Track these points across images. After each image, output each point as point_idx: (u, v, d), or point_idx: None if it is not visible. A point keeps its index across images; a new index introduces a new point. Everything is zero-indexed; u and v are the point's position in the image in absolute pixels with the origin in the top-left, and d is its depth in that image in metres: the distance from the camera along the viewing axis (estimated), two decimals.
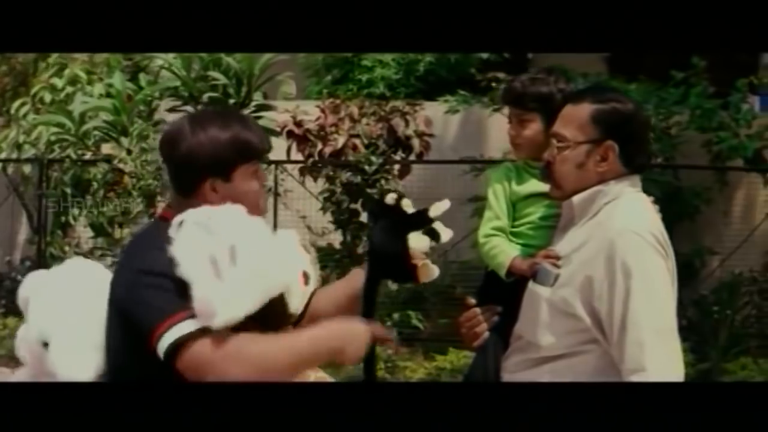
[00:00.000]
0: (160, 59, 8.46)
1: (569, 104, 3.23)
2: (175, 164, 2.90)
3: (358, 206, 8.86)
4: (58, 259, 8.27)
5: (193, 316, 2.63)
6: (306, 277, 2.96)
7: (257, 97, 8.95)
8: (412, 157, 9.28)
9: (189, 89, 8.42)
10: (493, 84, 10.86)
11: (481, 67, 11.39)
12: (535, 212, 3.48)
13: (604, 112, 3.15)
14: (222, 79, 8.48)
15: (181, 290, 2.63)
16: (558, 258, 3.16)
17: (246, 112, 8.65)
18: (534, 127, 3.48)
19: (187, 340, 2.62)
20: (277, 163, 8.82)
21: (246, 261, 2.65)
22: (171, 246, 2.67)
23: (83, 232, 8.54)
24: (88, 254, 8.01)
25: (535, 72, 3.57)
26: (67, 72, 8.85)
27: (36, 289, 2.99)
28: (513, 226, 3.51)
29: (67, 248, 8.25)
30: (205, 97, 8.57)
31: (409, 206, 3.05)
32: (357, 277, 3.09)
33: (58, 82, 8.84)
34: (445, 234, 3.05)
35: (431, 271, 3.03)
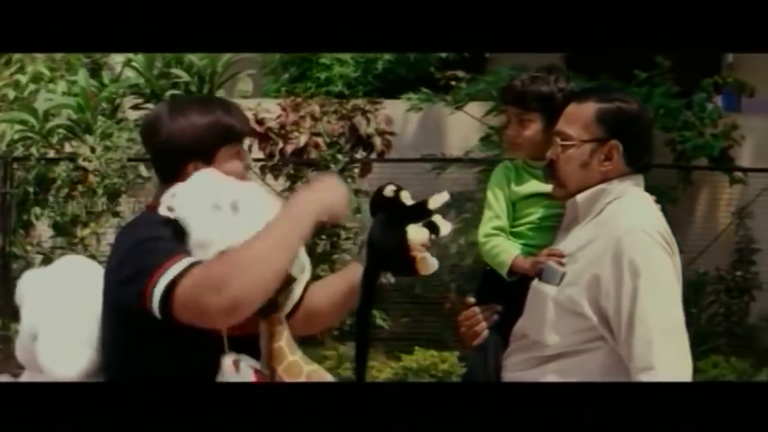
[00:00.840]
0: (122, 56, 8.41)
1: (573, 103, 3.23)
2: (157, 150, 2.89)
3: None
4: (20, 259, 8.18)
5: (183, 257, 2.61)
6: None
7: (220, 95, 8.86)
8: (374, 156, 9.24)
9: (151, 86, 8.35)
10: (453, 82, 10.88)
11: (440, 66, 11.41)
12: (535, 212, 3.47)
13: (609, 111, 3.15)
14: (184, 77, 8.44)
15: (176, 241, 2.63)
16: (563, 256, 3.16)
17: None
18: (534, 127, 3.46)
19: (180, 277, 2.59)
20: None
21: (248, 213, 2.65)
22: (171, 210, 2.66)
23: (45, 231, 8.43)
24: (50, 253, 7.93)
25: (535, 71, 3.55)
26: (30, 69, 8.74)
27: (31, 285, 2.96)
28: (513, 226, 3.50)
29: (29, 248, 8.13)
30: (167, 94, 8.54)
31: (408, 198, 3.01)
32: (353, 270, 3.05)
33: (22, 79, 8.73)
34: (445, 227, 3.02)
35: (431, 264, 2.98)
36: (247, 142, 2.96)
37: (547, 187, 3.39)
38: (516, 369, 3.24)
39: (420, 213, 2.98)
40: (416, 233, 2.95)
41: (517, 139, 3.51)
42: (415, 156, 9.52)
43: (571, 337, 3.11)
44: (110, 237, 7.73)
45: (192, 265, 2.60)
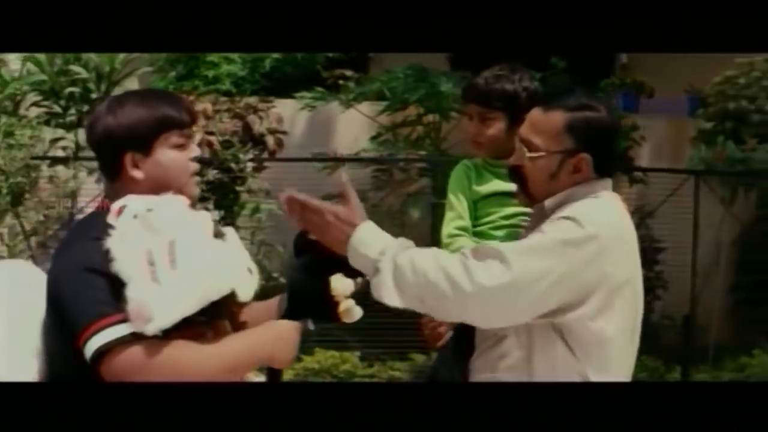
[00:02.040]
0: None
1: (539, 110, 3.10)
2: (96, 146, 2.85)
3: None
4: None
5: (125, 319, 2.53)
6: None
7: (118, 92, 8.68)
8: (265, 155, 9.18)
9: (52, 83, 8.19)
10: (341, 81, 10.88)
11: (327, 65, 11.39)
12: (497, 211, 3.47)
13: (578, 121, 3.04)
14: (83, 74, 8.27)
15: (115, 288, 2.54)
16: None
17: None
18: (497, 126, 3.47)
19: (117, 345, 2.53)
20: None
21: (186, 263, 2.56)
22: (108, 238, 2.59)
23: None
24: None
25: (499, 69, 3.54)
26: None
27: None
28: (475, 226, 3.50)
29: None
30: (66, 92, 8.39)
31: None
32: (275, 306, 3.00)
33: None
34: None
35: (354, 314, 2.93)
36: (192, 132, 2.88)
37: (509, 186, 3.33)
38: (486, 370, 3.15)
39: (345, 261, 2.89)
40: (340, 283, 2.90)
41: (480, 137, 3.51)
42: (304, 155, 9.47)
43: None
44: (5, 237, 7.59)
45: (132, 340, 2.54)
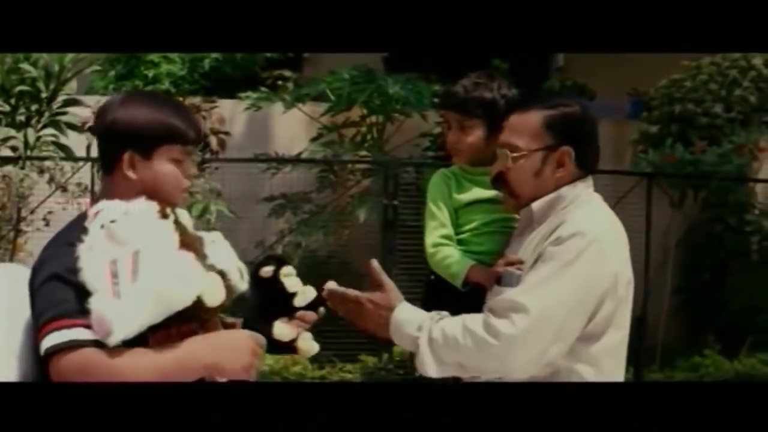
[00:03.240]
0: None
1: (515, 113, 3.17)
2: (99, 135, 2.84)
3: None
4: None
5: (84, 325, 2.54)
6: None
7: (68, 90, 8.66)
8: (208, 155, 9.09)
9: (3, 81, 8.08)
10: (279, 82, 10.84)
11: (265, 65, 11.36)
12: (478, 219, 3.46)
13: (555, 117, 3.11)
14: (32, 72, 8.15)
15: (81, 295, 2.55)
16: (521, 263, 3.10)
17: (54, 106, 8.43)
18: (477, 134, 3.47)
19: (65, 347, 2.54)
20: (78, 159, 8.42)
21: (146, 276, 2.55)
22: (80, 244, 2.59)
23: None
24: None
25: (477, 76, 3.52)
26: None
27: None
28: (456, 234, 3.48)
29: None
30: (16, 90, 8.28)
31: (290, 275, 2.97)
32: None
33: None
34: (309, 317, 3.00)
35: (308, 350, 2.99)
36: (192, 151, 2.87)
37: (489, 193, 3.38)
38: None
39: (286, 309, 2.96)
40: (281, 330, 2.94)
41: (458, 144, 3.49)
42: (243, 156, 9.41)
43: None
44: None
45: (82, 344, 2.53)
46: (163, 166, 2.79)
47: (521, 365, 2.91)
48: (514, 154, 3.10)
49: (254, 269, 2.94)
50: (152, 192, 2.76)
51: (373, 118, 9.86)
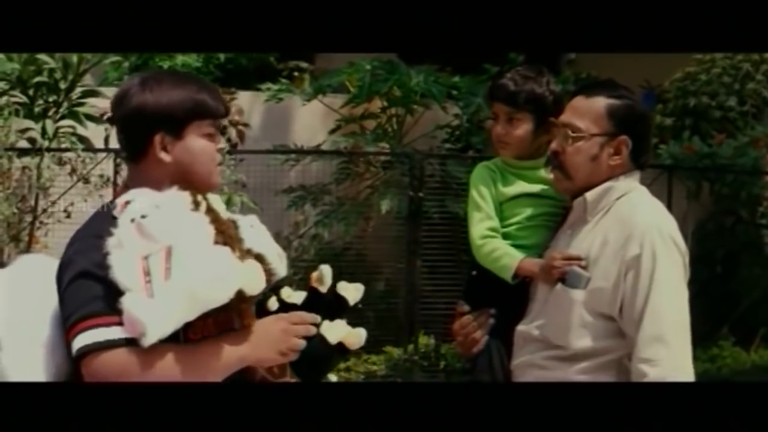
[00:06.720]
0: None
1: (581, 96, 3.28)
2: (124, 122, 2.77)
3: None
4: None
5: (116, 323, 2.51)
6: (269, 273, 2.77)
7: (86, 81, 8.68)
8: (227, 147, 9.10)
9: (20, 72, 8.08)
10: (295, 73, 10.84)
11: (280, 57, 11.36)
12: (522, 212, 3.49)
13: (619, 107, 3.22)
14: (51, 63, 8.16)
15: (111, 291, 2.52)
16: (581, 259, 3.18)
17: (72, 97, 8.41)
18: (524, 127, 3.47)
19: (99, 348, 2.51)
20: (99, 151, 8.46)
21: (181, 275, 2.53)
22: (109, 238, 2.55)
23: None
24: None
25: (526, 70, 3.56)
26: None
27: None
28: (501, 227, 3.49)
29: None
30: (34, 81, 8.26)
31: (290, 296, 2.90)
32: None
33: None
34: (354, 292, 2.95)
35: (358, 340, 2.87)
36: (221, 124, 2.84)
37: (533, 188, 3.45)
38: (532, 369, 3.25)
39: (337, 306, 2.90)
40: (332, 329, 2.84)
41: (506, 137, 3.50)
42: (260, 148, 9.43)
43: (598, 341, 3.15)
44: None
45: (116, 344, 2.52)
46: (197, 143, 2.74)
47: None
48: (574, 135, 3.21)
49: (259, 308, 2.85)
50: (188, 172, 2.73)
51: (393, 110, 9.84)
